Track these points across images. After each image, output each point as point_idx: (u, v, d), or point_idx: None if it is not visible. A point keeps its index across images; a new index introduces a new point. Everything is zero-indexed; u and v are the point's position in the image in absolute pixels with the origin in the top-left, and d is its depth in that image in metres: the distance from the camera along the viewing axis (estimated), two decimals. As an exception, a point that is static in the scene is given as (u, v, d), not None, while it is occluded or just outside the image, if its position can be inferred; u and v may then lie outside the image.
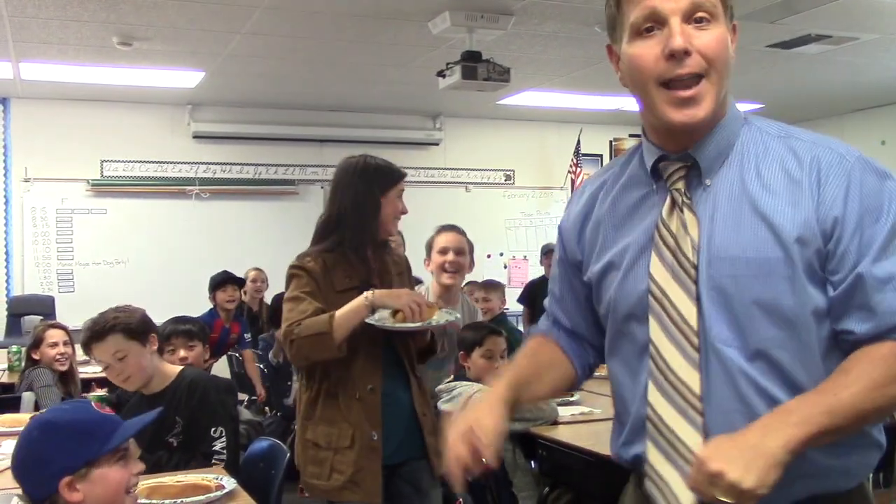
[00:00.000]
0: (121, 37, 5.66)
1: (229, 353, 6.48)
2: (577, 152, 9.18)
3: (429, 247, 4.01)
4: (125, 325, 2.84)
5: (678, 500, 1.38)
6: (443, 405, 3.46)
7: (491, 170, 9.25)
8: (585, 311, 1.63)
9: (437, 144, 8.96)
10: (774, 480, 1.22)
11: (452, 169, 9.05)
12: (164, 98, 7.82)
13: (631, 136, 9.94)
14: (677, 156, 1.45)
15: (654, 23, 1.37)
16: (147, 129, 8.06)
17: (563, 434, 3.29)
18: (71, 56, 6.19)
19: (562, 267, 1.65)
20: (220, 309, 6.30)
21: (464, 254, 3.93)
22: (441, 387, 3.60)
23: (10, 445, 2.89)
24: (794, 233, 1.34)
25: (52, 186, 7.73)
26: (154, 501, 2.31)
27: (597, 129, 9.53)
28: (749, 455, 1.22)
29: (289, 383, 5.52)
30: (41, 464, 1.75)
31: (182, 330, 3.66)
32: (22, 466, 1.79)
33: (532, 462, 3.41)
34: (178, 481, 2.45)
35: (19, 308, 7.54)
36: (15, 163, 7.68)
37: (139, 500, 2.28)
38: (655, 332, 1.43)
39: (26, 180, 7.68)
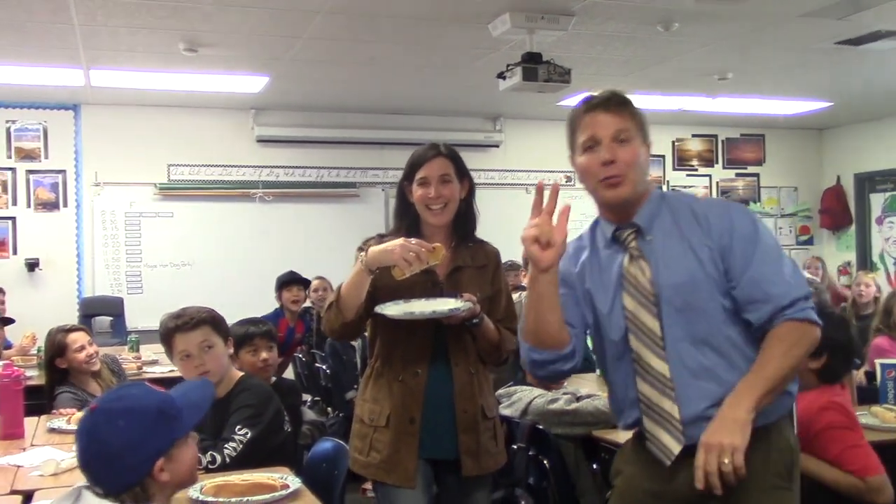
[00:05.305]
0: (187, 43, 5.77)
1: (293, 354, 6.57)
2: (638, 153, 9.08)
3: (525, 261, 4.05)
4: (214, 320, 2.99)
5: (668, 448, 2.06)
6: (503, 410, 3.45)
7: (552, 171, 9.20)
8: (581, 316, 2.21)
9: (497, 146, 8.95)
10: (749, 434, 1.89)
11: (513, 171, 9.02)
12: (229, 103, 7.95)
13: (694, 136, 9.81)
14: (626, 224, 2.13)
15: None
16: (212, 134, 8.21)
17: (624, 437, 3.25)
18: (139, 62, 6.33)
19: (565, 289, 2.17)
20: (286, 309, 6.39)
21: None
22: (500, 391, 3.59)
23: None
24: (706, 258, 2.05)
25: (122, 190, 7.92)
26: (220, 499, 2.35)
27: (659, 129, 9.40)
28: (730, 426, 1.90)
29: (354, 387, 5.56)
30: (133, 450, 1.75)
31: (264, 331, 3.72)
32: (107, 457, 1.76)
33: (594, 465, 3.39)
34: (243, 480, 2.50)
35: (90, 309, 7.73)
36: (86, 167, 7.88)
37: (206, 499, 2.34)
38: (634, 342, 2.09)
39: (96, 184, 7.88)
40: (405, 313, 2.58)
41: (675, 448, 2.04)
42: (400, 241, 2.55)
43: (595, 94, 2.16)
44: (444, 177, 2.71)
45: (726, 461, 1.85)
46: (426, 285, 2.69)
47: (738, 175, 10.04)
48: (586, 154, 2.12)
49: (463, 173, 2.78)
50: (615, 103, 2.12)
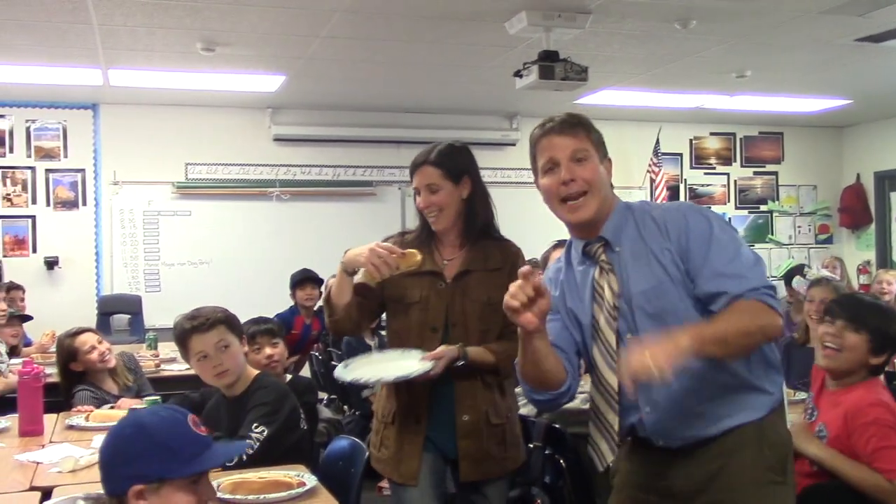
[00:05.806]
0: (204, 42, 5.79)
1: (310, 351, 6.58)
2: (656, 151, 9.05)
3: (545, 260, 4.21)
4: (228, 319, 3.01)
5: (604, 456, 2.16)
6: (521, 409, 3.44)
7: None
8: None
9: (513, 145, 8.92)
10: (683, 360, 1.84)
11: (529, 169, 8.96)
12: (246, 102, 7.98)
13: (712, 134, 9.76)
14: (594, 239, 2.19)
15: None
16: (229, 133, 8.24)
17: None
18: (157, 62, 6.36)
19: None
20: (300, 307, 6.40)
21: None
22: (518, 389, 3.58)
23: (100, 440, 3.01)
24: (668, 262, 2.09)
25: (140, 189, 7.97)
26: (237, 497, 2.36)
27: (676, 127, 9.38)
28: (669, 346, 1.85)
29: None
30: (122, 462, 1.76)
31: (265, 329, 3.74)
32: (107, 456, 1.80)
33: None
34: (260, 477, 2.51)
35: (108, 307, 7.78)
36: (104, 166, 7.94)
37: (224, 496, 2.34)
38: (595, 352, 2.17)
39: (115, 183, 7.93)
40: (353, 379, 2.68)
41: (610, 457, 2.16)
42: (371, 245, 2.64)
43: (552, 117, 2.28)
44: (431, 186, 2.73)
45: (650, 358, 1.82)
46: (433, 289, 2.74)
47: (756, 173, 9.98)
48: (547, 176, 2.22)
49: (460, 174, 2.75)
50: (569, 125, 2.23)
